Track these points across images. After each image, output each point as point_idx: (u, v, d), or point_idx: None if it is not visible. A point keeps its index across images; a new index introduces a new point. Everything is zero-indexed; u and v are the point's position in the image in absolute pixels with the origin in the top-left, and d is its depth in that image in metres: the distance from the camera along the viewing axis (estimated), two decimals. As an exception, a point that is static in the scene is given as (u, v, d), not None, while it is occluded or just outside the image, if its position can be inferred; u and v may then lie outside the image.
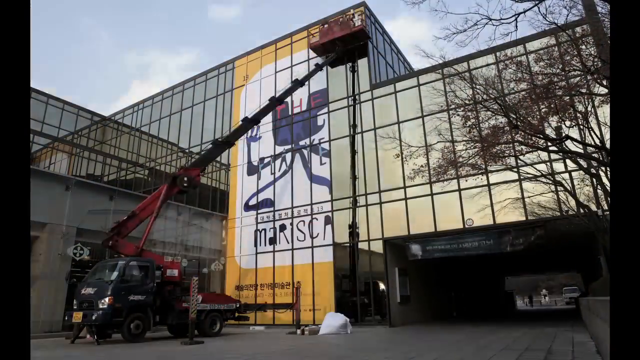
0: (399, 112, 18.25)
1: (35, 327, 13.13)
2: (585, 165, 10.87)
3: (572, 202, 12.78)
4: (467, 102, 10.04)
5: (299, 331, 13.69)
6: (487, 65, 13.95)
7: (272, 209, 20.38)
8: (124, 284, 11.52)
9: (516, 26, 6.53)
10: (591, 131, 9.08)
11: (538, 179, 12.67)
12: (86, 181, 17.90)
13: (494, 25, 6.62)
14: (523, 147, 9.31)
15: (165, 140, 27.01)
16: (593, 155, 9.82)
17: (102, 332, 11.30)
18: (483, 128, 9.78)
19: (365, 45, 20.25)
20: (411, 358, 6.78)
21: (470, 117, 9.75)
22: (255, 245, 20.34)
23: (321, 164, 19.54)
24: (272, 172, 21.06)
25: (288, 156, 20.80)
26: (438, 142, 11.11)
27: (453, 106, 11.20)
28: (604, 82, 7.31)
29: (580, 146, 9.43)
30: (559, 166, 13.98)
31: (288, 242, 19.29)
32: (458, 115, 10.57)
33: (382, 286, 17.17)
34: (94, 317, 10.92)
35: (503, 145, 9.49)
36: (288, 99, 21.24)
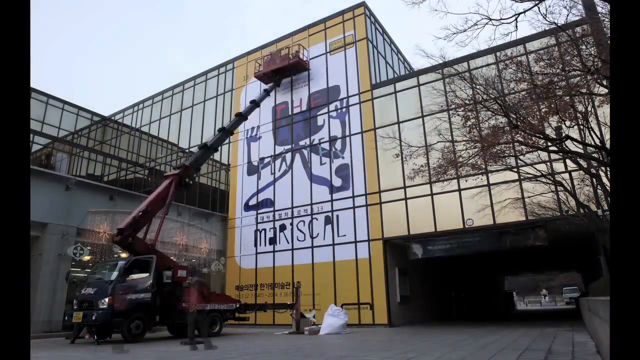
0: (399, 112, 18.26)
1: (35, 327, 13.14)
2: (585, 165, 10.85)
3: (572, 202, 12.77)
4: (467, 102, 10.02)
5: (306, 330, 13.68)
6: (487, 65, 13.97)
7: (272, 209, 20.40)
8: (124, 284, 11.52)
9: (516, 26, 6.54)
10: (591, 131, 9.05)
11: (538, 179, 12.65)
12: (86, 181, 17.88)
13: (494, 25, 6.63)
14: (523, 147, 9.30)
15: (165, 140, 27.02)
16: (593, 155, 9.81)
17: (102, 332, 11.30)
18: (483, 128, 9.77)
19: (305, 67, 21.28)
20: (411, 358, 6.77)
21: (470, 117, 9.73)
22: (255, 245, 20.36)
23: (321, 164, 19.55)
24: (272, 172, 21.07)
25: (288, 156, 20.81)
26: (438, 142, 11.10)
27: (453, 106, 11.19)
28: (604, 82, 7.30)
29: (580, 146, 9.42)
30: (559, 166, 13.98)
31: (288, 242, 19.31)
32: (458, 115, 10.56)
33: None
34: (94, 317, 10.92)
35: (503, 145, 9.47)
36: (288, 99, 21.22)
